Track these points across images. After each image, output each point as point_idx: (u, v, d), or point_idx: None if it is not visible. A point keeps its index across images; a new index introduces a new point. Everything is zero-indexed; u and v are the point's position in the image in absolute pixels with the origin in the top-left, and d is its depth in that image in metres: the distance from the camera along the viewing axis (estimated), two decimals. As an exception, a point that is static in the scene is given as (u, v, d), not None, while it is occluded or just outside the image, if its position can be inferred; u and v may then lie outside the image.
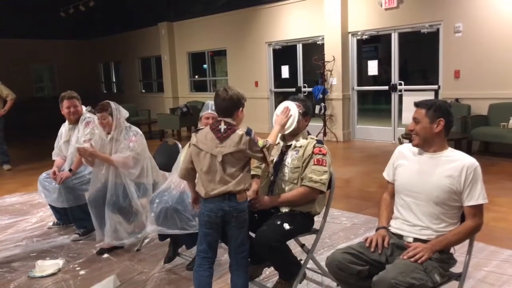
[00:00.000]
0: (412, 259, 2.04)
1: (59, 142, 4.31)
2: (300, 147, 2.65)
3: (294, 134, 2.71)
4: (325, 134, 9.29)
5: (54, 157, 4.37)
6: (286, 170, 2.66)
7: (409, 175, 2.30)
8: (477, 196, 2.12)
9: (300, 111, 2.70)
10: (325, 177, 2.57)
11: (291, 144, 2.70)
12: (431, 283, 2.01)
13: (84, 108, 4.31)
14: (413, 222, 2.23)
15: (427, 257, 2.05)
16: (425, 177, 2.22)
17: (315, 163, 2.58)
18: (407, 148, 2.38)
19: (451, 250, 2.21)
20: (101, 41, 16.49)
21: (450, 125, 2.24)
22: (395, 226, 2.32)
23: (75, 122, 4.19)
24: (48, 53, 16.02)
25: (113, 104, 3.64)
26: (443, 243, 2.13)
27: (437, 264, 2.08)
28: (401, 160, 2.38)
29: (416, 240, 2.19)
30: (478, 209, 2.14)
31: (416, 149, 2.31)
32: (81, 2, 12.77)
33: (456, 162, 2.17)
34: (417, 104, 2.27)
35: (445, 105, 2.24)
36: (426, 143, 2.24)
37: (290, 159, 2.66)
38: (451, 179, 2.15)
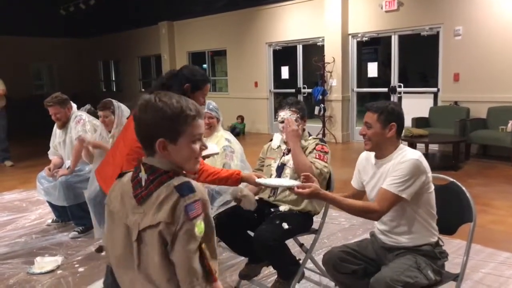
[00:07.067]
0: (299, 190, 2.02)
1: (54, 141, 4.32)
2: (301, 148, 2.67)
3: None
4: (324, 135, 9.30)
5: (50, 157, 4.39)
6: (288, 171, 2.69)
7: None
8: (390, 181, 2.04)
9: (297, 116, 2.69)
10: (326, 170, 2.57)
11: None
12: (425, 279, 2.03)
13: (81, 107, 4.31)
14: (384, 229, 2.22)
15: (306, 195, 2.03)
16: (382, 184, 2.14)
17: (316, 157, 2.60)
18: (365, 159, 2.31)
19: (440, 243, 2.19)
20: (101, 40, 16.46)
21: (402, 128, 2.18)
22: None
23: (61, 126, 4.15)
24: (47, 51, 15.96)
25: (115, 102, 3.67)
26: (329, 198, 2.07)
27: (428, 260, 2.09)
28: (364, 176, 2.31)
29: (402, 248, 2.15)
30: (384, 195, 2.04)
31: (373, 160, 2.23)
32: (81, 0, 12.77)
33: (405, 162, 2.06)
34: (368, 108, 2.17)
35: (397, 109, 2.17)
36: (378, 148, 2.17)
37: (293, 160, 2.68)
38: None
